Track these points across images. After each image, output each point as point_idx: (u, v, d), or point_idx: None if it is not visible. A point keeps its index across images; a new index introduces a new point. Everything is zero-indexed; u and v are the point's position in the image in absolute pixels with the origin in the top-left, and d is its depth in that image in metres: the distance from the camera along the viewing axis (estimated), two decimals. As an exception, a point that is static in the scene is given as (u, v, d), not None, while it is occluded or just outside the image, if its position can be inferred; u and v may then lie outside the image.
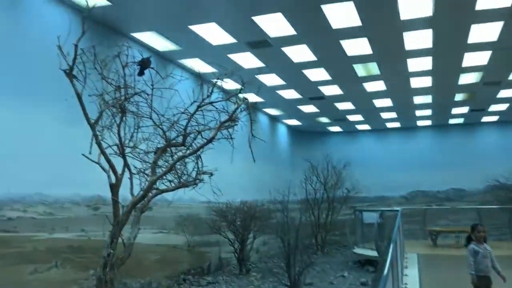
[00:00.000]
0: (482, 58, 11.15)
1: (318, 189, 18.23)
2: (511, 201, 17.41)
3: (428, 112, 18.06)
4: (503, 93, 14.84)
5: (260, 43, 9.93)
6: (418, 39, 9.80)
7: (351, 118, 19.00)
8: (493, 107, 17.18)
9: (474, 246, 5.94)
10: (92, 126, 4.44)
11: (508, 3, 8.09)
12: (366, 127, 21.40)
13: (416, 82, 13.39)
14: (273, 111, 17.62)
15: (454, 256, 11.57)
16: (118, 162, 4.73)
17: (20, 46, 6.92)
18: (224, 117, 5.03)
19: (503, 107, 17.06)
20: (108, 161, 4.55)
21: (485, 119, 19.66)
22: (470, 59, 11.23)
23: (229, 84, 4.87)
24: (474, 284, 5.85)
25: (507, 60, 11.33)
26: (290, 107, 16.64)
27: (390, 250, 4.90)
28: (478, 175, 19.27)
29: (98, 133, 4.53)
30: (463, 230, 13.89)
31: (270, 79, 12.73)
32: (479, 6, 8.21)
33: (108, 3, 7.74)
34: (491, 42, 10.07)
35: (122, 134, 4.76)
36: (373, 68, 11.87)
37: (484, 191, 19.59)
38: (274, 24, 8.93)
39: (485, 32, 9.47)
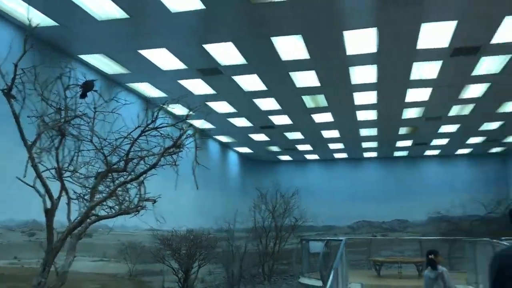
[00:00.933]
0: (423, 94, 11.69)
1: (266, 217, 18.22)
2: (451, 232, 18.14)
3: (374, 144, 18.60)
4: (444, 128, 15.59)
5: (211, 71, 9.99)
6: (364, 74, 10.18)
7: (300, 147, 19.29)
8: (435, 141, 17.98)
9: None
10: (28, 148, 4.25)
11: (446, 44, 8.59)
12: (314, 157, 21.76)
13: (362, 115, 13.82)
14: (224, 138, 17.63)
15: (395, 287, 11.77)
16: (57, 187, 4.55)
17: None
18: (169, 143, 4.97)
19: (444, 141, 17.88)
20: (44, 185, 4.36)
21: (428, 152, 20.49)
22: (413, 94, 11.74)
23: (179, 110, 4.82)
24: None
25: (447, 96, 11.94)
26: (241, 135, 16.71)
27: (330, 278, 4.96)
28: (421, 207, 20.03)
29: (35, 155, 4.35)
30: (405, 261, 14.27)
31: (222, 107, 12.78)
32: (420, 46, 8.67)
33: (55, 23, 7.58)
34: (431, 80, 10.60)
35: (60, 157, 4.59)
36: (321, 100, 12.17)
37: (426, 223, 20.31)
38: (225, 53, 9.03)
39: (426, 69, 9.98)
